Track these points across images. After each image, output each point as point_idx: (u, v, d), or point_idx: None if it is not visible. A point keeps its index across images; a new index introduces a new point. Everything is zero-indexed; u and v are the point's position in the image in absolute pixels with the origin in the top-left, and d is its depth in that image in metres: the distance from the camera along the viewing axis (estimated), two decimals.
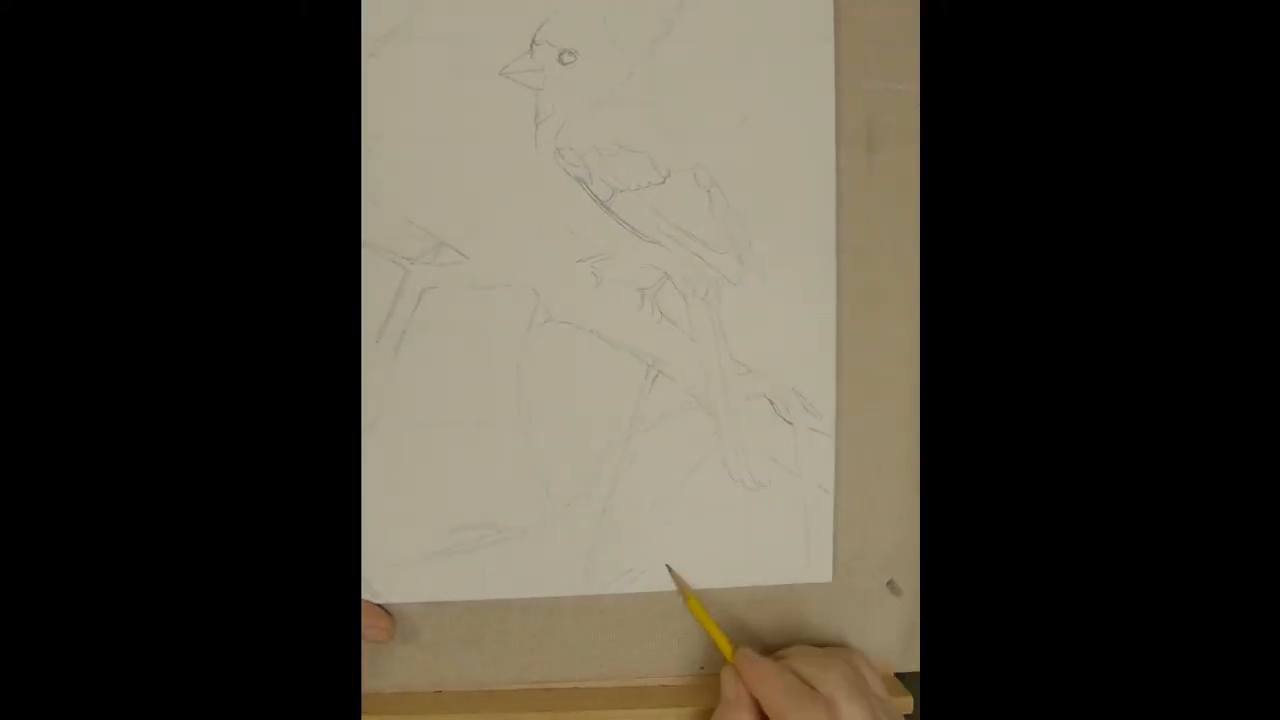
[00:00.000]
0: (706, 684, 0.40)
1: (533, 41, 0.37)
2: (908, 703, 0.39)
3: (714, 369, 0.39)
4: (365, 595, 0.38)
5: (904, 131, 0.39)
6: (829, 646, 0.38)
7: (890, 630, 0.40)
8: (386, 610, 0.38)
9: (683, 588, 0.38)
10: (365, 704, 0.38)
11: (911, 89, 0.39)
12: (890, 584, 0.40)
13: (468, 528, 0.38)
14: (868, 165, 0.39)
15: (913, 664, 0.41)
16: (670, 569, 0.38)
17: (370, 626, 0.37)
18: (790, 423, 0.39)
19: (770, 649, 0.40)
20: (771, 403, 0.39)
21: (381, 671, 0.39)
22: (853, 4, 0.38)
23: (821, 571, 0.40)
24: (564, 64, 0.37)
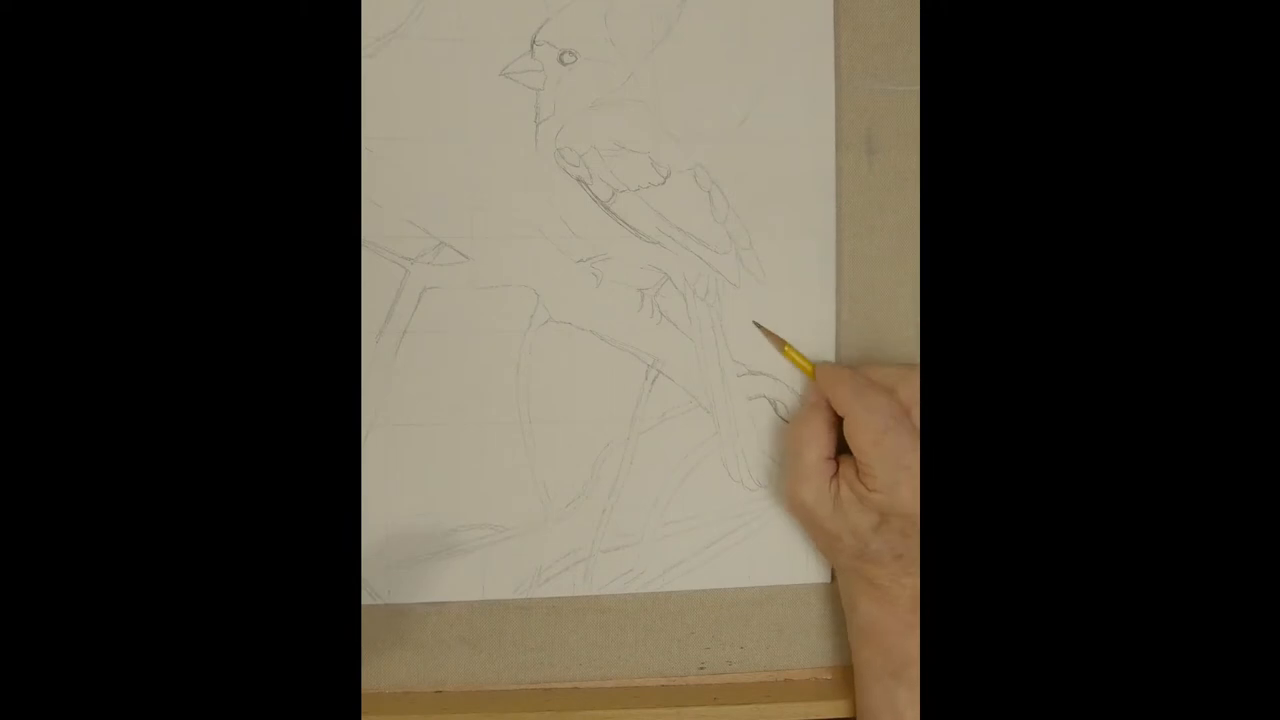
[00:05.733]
0: (707, 684, 0.40)
1: (533, 42, 0.37)
2: None
3: (714, 369, 0.39)
4: (365, 595, 0.38)
5: (904, 132, 0.39)
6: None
7: None
8: None
9: (772, 337, 0.39)
10: (365, 704, 0.38)
11: (911, 89, 0.39)
12: None
13: (468, 528, 0.38)
14: (868, 166, 0.39)
15: None
16: (758, 325, 0.39)
17: None
18: (790, 423, 0.39)
19: (771, 649, 0.40)
20: (772, 403, 0.39)
21: (381, 671, 0.39)
22: (853, 4, 0.38)
23: (821, 571, 0.40)
24: (564, 64, 0.37)
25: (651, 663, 0.40)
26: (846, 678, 0.40)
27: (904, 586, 0.35)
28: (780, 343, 0.38)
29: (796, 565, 0.40)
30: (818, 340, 0.39)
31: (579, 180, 0.38)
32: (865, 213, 0.39)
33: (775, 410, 0.39)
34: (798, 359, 0.38)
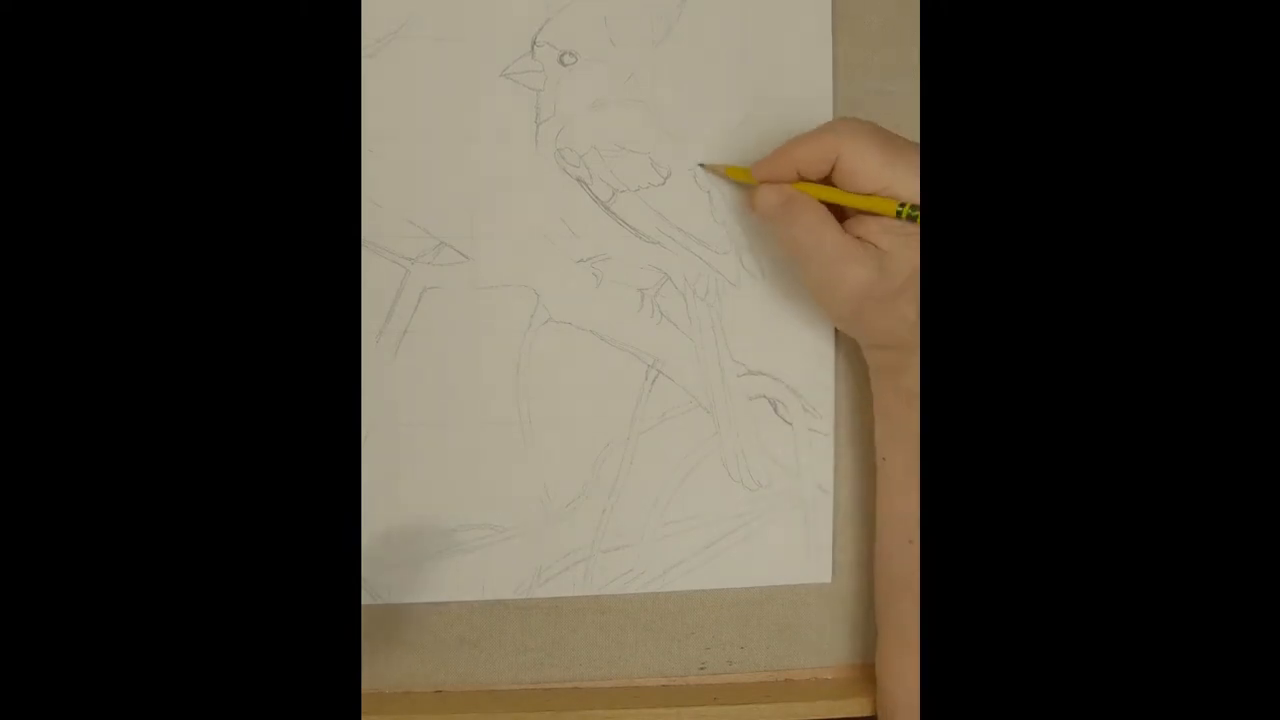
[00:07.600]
0: (707, 684, 0.40)
1: (534, 42, 0.37)
2: None
3: (714, 369, 0.39)
4: (365, 595, 0.38)
5: (904, 132, 0.39)
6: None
7: None
8: None
9: (715, 169, 0.38)
10: (365, 704, 0.38)
11: (911, 89, 0.39)
12: None
13: (468, 528, 0.38)
14: None
15: None
16: (702, 165, 0.38)
17: None
18: (790, 423, 0.39)
19: (771, 649, 0.40)
20: (771, 403, 0.39)
21: (381, 672, 0.39)
22: (853, 4, 0.38)
23: (821, 572, 0.40)
24: (565, 65, 0.37)
25: (651, 663, 0.40)
26: (846, 678, 0.40)
27: None
28: (721, 169, 0.38)
29: (796, 565, 0.40)
30: (818, 338, 0.39)
31: (579, 180, 0.38)
32: None
33: (775, 410, 0.39)
34: (743, 175, 0.37)
